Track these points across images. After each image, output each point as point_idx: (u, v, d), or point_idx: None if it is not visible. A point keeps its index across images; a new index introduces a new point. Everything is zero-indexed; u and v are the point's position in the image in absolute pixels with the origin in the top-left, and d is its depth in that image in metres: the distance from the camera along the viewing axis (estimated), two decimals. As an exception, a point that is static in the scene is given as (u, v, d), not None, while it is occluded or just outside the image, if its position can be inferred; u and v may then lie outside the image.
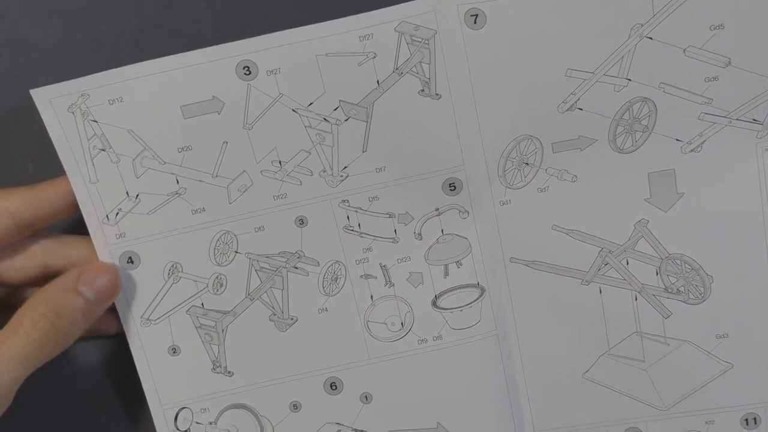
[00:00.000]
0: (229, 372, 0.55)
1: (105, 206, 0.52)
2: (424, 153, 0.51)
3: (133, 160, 0.52)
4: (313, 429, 0.56)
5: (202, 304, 0.54)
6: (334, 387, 0.55)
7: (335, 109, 0.51)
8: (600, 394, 0.54)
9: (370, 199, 0.52)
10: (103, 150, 0.51)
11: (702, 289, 0.52)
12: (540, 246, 0.52)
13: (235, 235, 0.53)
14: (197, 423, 0.56)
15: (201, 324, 0.54)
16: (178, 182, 0.52)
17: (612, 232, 0.52)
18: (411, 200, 0.52)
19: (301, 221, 0.53)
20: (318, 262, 0.54)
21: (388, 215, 0.53)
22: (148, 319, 0.54)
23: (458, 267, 0.54)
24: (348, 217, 0.53)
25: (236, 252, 0.53)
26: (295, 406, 0.56)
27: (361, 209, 0.53)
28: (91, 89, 0.50)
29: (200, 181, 0.52)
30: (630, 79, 0.49)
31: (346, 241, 0.53)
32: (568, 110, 0.50)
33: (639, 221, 0.52)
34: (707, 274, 0.52)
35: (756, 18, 0.48)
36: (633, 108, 0.49)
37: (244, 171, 0.52)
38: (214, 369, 0.55)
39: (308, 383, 0.55)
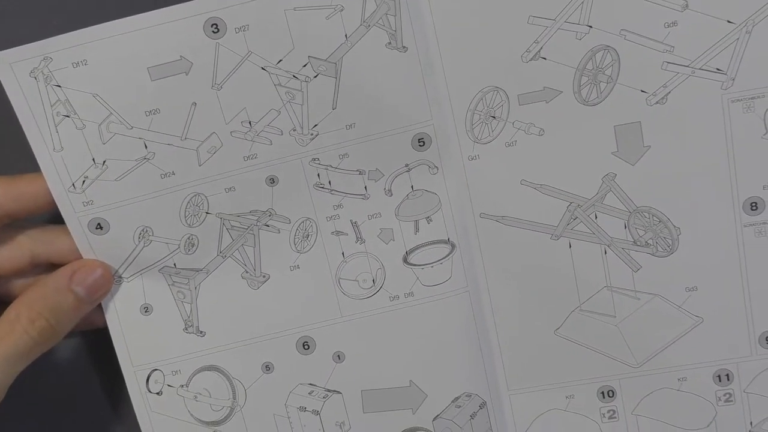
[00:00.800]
0: (201, 332, 0.55)
1: (71, 175, 0.52)
2: (392, 108, 0.51)
3: (99, 125, 0.51)
4: (286, 391, 0.57)
5: (174, 264, 0.54)
6: (306, 347, 0.56)
7: (304, 66, 0.51)
8: (572, 352, 0.54)
9: (341, 156, 0.53)
10: (68, 116, 0.51)
11: (670, 241, 0.52)
12: (509, 201, 0.53)
13: (206, 197, 0.53)
14: (169, 386, 0.56)
15: (174, 282, 0.54)
16: (146, 147, 0.52)
17: (580, 186, 0.52)
18: (381, 157, 0.53)
19: (272, 180, 0.53)
20: (289, 220, 0.54)
21: (358, 172, 0.53)
22: (120, 277, 0.54)
23: (428, 223, 0.54)
24: (318, 175, 0.53)
25: (207, 213, 0.53)
26: (268, 368, 0.56)
27: (331, 167, 0.53)
28: (54, 52, 0.50)
29: (169, 144, 0.52)
30: (591, 26, 0.49)
31: (317, 199, 0.53)
32: (532, 59, 0.50)
33: (606, 175, 0.52)
34: (675, 226, 0.52)
35: (710, -42, 0.48)
36: (596, 57, 0.50)
37: (214, 132, 0.52)
38: (186, 329, 0.55)
39: (280, 343, 0.56)
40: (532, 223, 0.53)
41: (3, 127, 0.53)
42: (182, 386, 0.56)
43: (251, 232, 0.54)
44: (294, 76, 0.51)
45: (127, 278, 0.54)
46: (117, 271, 0.54)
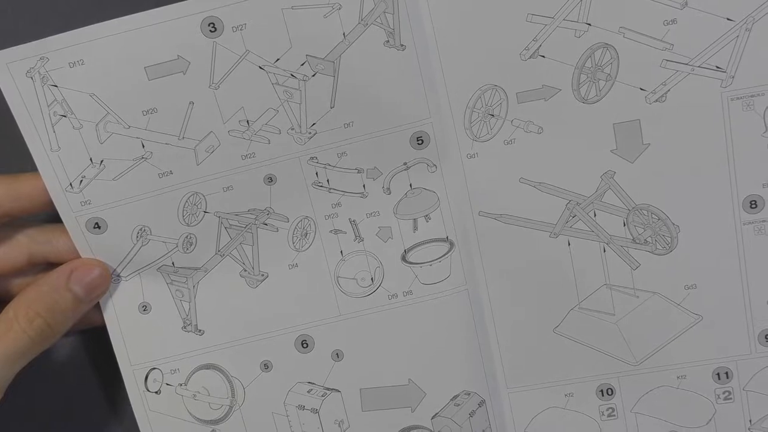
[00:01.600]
0: (200, 330, 0.55)
1: (68, 174, 0.52)
2: (391, 107, 0.51)
3: (96, 125, 0.51)
4: (285, 389, 0.56)
5: (173, 263, 0.54)
6: (305, 345, 0.55)
7: (302, 65, 0.51)
8: (571, 349, 0.54)
9: (339, 155, 0.52)
10: (65, 116, 0.51)
11: (669, 239, 0.52)
12: (508, 199, 0.52)
13: (204, 196, 0.53)
14: (167, 384, 0.56)
15: (172, 280, 0.54)
16: (143, 146, 0.52)
17: (579, 184, 0.52)
18: (379, 155, 0.52)
19: (270, 179, 0.53)
20: (287, 218, 0.54)
21: (356, 170, 0.53)
22: (118, 276, 0.54)
23: (427, 221, 0.54)
24: (317, 174, 0.53)
25: (205, 212, 0.53)
26: (266, 366, 0.56)
27: (329, 165, 0.53)
28: (50, 52, 0.49)
29: (166, 144, 0.52)
30: (590, 24, 0.49)
31: (315, 197, 0.53)
32: (530, 57, 0.50)
33: (606, 173, 0.52)
34: (674, 224, 0.52)
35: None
36: (595, 54, 0.50)
37: (211, 132, 0.52)
38: (185, 327, 0.55)
39: (279, 341, 0.55)
40: (530, 221, 0.53)
41: (0, 127, 0.53)
42: (181, 385, 0.56)
43: (249, 230, 0.54)
44: (292, 75, 0.51)
45: (126, 277, 0.54)
46: (115, 270, 0.54)
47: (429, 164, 0.53)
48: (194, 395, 0.56)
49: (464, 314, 0.55)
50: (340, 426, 0.57)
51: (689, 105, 0.50)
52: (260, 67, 0.51)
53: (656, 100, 0.50)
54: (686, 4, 0.48)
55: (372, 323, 0.55)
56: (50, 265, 0.55)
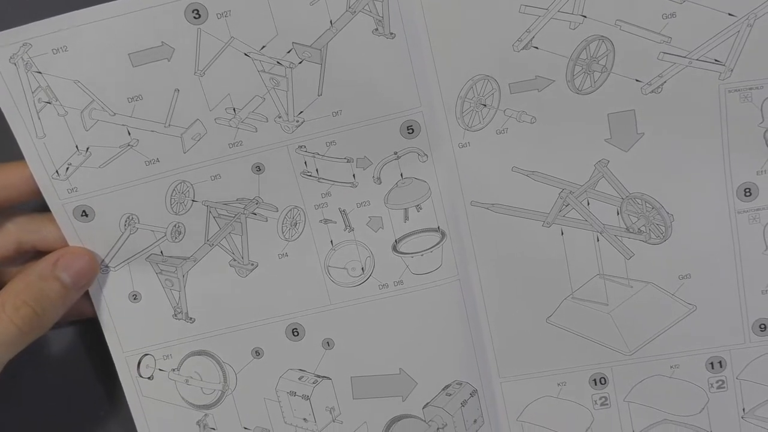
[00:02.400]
0: (191, 318, 0.55)
1: (54, 161, 0.51)
2: (380, 95, 0.50)
3: (81, 112, 0.50)
4: (276, 375, 0.56)
5: (161, 252, 0.54)
6: (295, 333, 0.55)
7: (288, 52, 0.50)
8: (564, 339, 0.54)
9: (328, 144, 0.52)
10: (49, 103, 0.50)
11: (663, 228, 0.51)
12: (500, 188, 0.52)
13: (191, 184, 0.52)
14: (160, 370, 0.56)
15: (161, 270, 0.54)
16: (129, 134, 0.51)
17: (572, 172, 0.51)
18: (369, 144, 0.52)
19: (258, 168, 0.52)
20: (276, 208, 0.53)
21: (346, 160, 0.52)
22: (107, 266, 0.54)
23: (418, 211, 0.53)
24: (305, 163, 0.52)
25: (193, 201, 0.53)
26: (258, 353, 0.56)
27: (318, 154, 0.52)
28: (33, 38, 0.48)
29: (152, 131, 0.51)
30: (585, 16, 0.48)
31: (305, 187, 0.52)
32: (523, 49, 0.49)
33: (599, 161, 0.51)
34: (668, 213, 0.51)
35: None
36: (590, 47, 0.48)
37: (198, 119, 0.51)
38: (176, 315, 0.55)
39: (270, 329, 0.55)
40: (523, 210, 0.52)
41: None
42: (173, 370, 0.56)
43: (238, 220, 0.53)
44: (278, 63, 0.50)
45: (114, 267, 0.54)
46: (104, 260, 0.53)
47: (420, 154, 0.52)
48: (187, 380, 0.56)
49: (456, 304, 0.54)
50: (331, 413, 0.57)
51: (685, 96, 0.49)
52: (246, 54, 0.50)
53: (652, 92, 0.49)
54: None
55: (362, 313, 0.55)
56: (39, 254, 0.54)
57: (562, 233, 0.52)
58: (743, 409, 0.54)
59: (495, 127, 0.51)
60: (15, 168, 0.52)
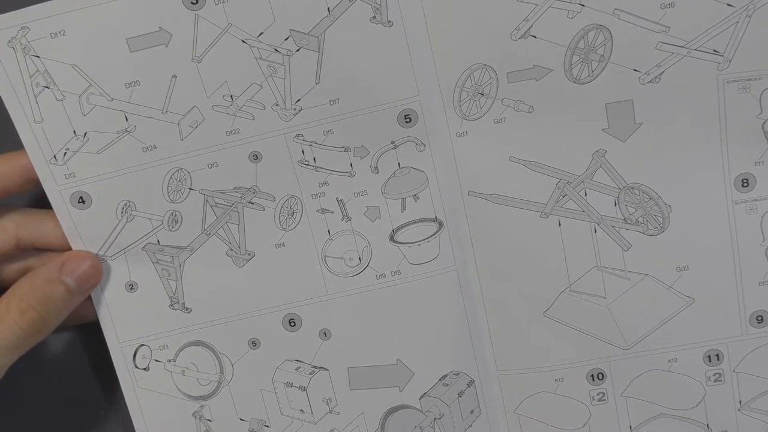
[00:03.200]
0: (187, 308, 0.55)
1: (52, 146, 0.51)
2: (378, 84, 0.50)
3: (79, 97, 0.50)
4: (273, 366, 0.56)
5: (158, 241, 0.54)
6: (292, 323, 0.55)
7: (286, 39, 0.49)
8: (562, 333, 0.54)
9: (325, 132, 0.51)
10: (47, 87, 0.50)
11: (660, 219, 0.51)
12: (498, 178, 0.51)
13: (188, 172, 0.52)
14: (156, 360, 0.56)
15: (158, 259, 0.54)
16: (127, 119, 0.51)
17: (570, 162, 0.51)
18: (366, 133, 0.51)
19: (255, 156, 0.52)
20: (274, 197, 0.53)
21: (343, 149, 0.52)
22: (103, 256, 0.53)
23: (416, 201, 0.53)
24: (303, 152, 0.52)
25: (190, 189, 0.52)
26: (254, 343, 0.55)
27: (315, 143, 0.52)
28: (31, 22, 0.48)
29: (150, 117, 0.51)
30: (583, 5, 0.48)
31: (302, 176, 0.52)
32: (521, 37, 0.49)
33: (597, 151, 0.51)
34: (665, 204, 0.51)
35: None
36: (588, 36, 0.48)
37: (195, 106, 0.51)
38: (172, 305, 0.55)
39: (266, 320, 0.55)
40: (521, 200, 0.52)
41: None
42: (170, 361, 0.56)
43: (235, 209, 0.53)
44: (276, 50, 0.50)
45: (111, 257, 0.54)
46: (101, 249, 0.53)
47: (417, 143, 0.52)
48: (183, 371, 0.56)
49: (453, 295, 0.54)
50: (327, 404, 0.56)
51: (683, 86, 0.49)
52: (243, 41, 0.50)
53: (650, 81, 0.49)
54: None
55: (360, 303, 0.54)
56: (38, 251, 0.54)
57: (560, 224, 0.52)
58: (740, 402, 0.54)
59: (493, 117, 0.51)
60: (13, 157, 0.52)
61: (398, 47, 0.49)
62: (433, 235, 0.53)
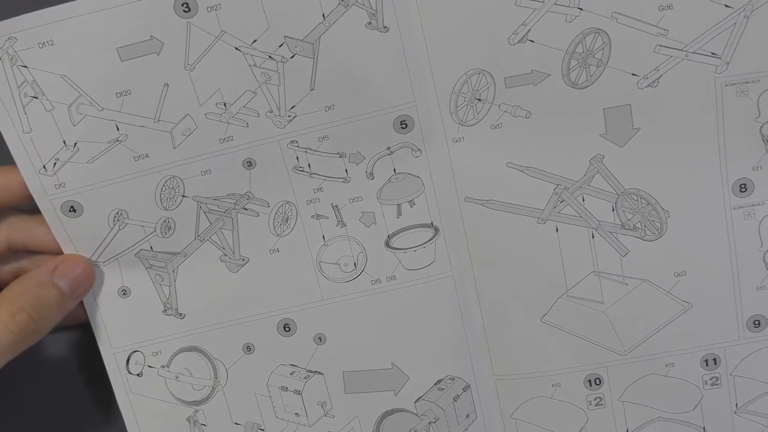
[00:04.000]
0: (181, 314, 0.54)
1: (41, 157, 0.50)
2: (373, 90, 0.49)
3: (69, 107, 0.50)
4: (267, 371, 0.56)
5: (151, 247, 0.53)
6: (287, 328, 0.55)
7: (280, 46, 0.49)
8: (559, 339, 0.54)
9: (320, 138, 0.51)
10: (36, 97, 0.49)
11: (658, 224, 0.51)
12: (495, 184, 0.51)
13: (182, 180, 0.51)
14: (149, 366, 0.56)
15: (151, 265, 0.53)
16: (118, 129, 0.50)
17: (567, 168, 0.51)
18: (362, 139, 0.51)
19: (249, 163, 0.51)
20: (268, 203, 0.52)
21: (338, 155, 0.51)
22: (96, 262, 0.53)
23: (411, 206, 0.52)
24: (297, 158, 0.51)
25: (183, 196, 0.52)
26: (249, 348, 0.55)
27: (310, 149, 0.51)
28: (18, 32, 0.48)
29: (142, 126, 0.50)
30: (581, 9, 0.47)
31: (297, 182, 0.52)
32: (519, 42, 0.48)
33: (594, 156, 0.50)
34: (663, 209, 0.51)
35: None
36: (586, 40, 0.48)
37: (188, 114, 0.50)
38: (166, 311, 0.54)
39: (261, 325, 0.55)
40: (518, 206, 0.52)
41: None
42: (163, 367, 0.56)
43: (229, 215, 0.52)
44: (269, 57, 0.49)
45: (104, 262, 0.53)
46: (93, 254, 0.53)
47: (413, 149, 0.51)
48: (177, 376, 0.56)
49: (449, 300, 0.54)
50: (323, 407, 0.56)
51: (681, 90, 0.48)
52: (236, 48, 0.49)
53: (648, 86, 0.48)
54: None
55: (355, 308, 0.54)
56: (30, 254, 0.54)
57: (557, 230, 0.52)
58: (736, 405, 0.54)
59: (490, 122, 0.50)
60: (8, 171, 0.51)
61: (394, 53, 0.49)
62: (429, 240, 0.53)
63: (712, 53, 0.48)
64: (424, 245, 0.53)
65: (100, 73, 0.49)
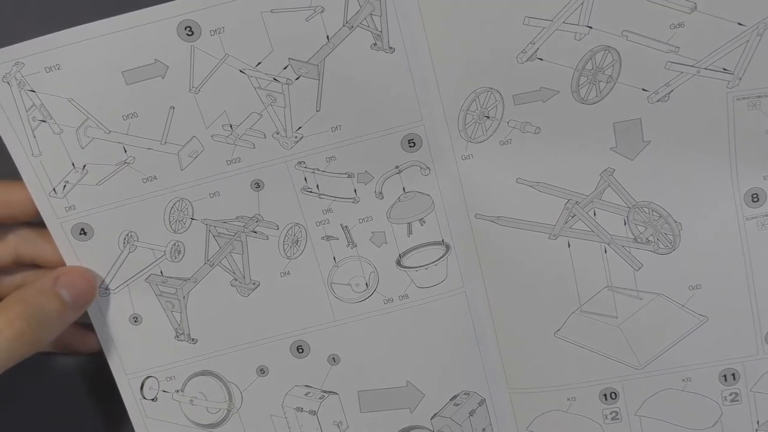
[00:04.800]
0: (193, 339, 0.54)
1: (51, 180, 0.50)
2: (380, 109, 0.49)
3: (77, 130, 0.50)
4: (282, 392, 0.56)
5: (161, 272, 0.53)
6: (300, 350, 0.54)
7: (285, 68, 0.48)
8: (573, 354, 0.53)
9: (328, 159, 0.51)
10: (44, 121, 0.49)
11: (671, 237, 0.50)
12: (505, 200, 0.51)
13: (190, 202, 0.51)
14: (164, 391, 0.55)
15: (161, 291, 0.53)
16: (125, 151, 0.50)
17: (578, 182, 0.50)
18: (370, 159, 0.51)
19: (257, 185, 0.51)
20: (277, 226, 0.52)
21: (347, 175, 0.51)
22: (106, 289, 0.53)
23: (422, 225, 0.52)
24: (305, 179, 0.51)
25: (192, 219, 0.52)
26: (263, 371, 0.55)
27: (318, 170, 0.51)
28: (26, 57, 0.48)
29: (149, 149, 0.50)
30: (591, 27, 0.47)
31: (305, 203, 0.52)
32: (527, 61, 0.48)
33: (605, 170, 0.50)
34: (676, 222, 0.50)
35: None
36: (595, 57, 0.47)
37: (194, 136, 0.50)
38: (178, 336, 0.54)
39: (274, 347, 0.54)
40: (529, 222, 0.51)
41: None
42: (177, 391, 0.56)
43: (238, 239, 0.52)
44: (275, 79, 0.49)
45: (114, 290, 0.53)
46: (104, 281, 0.53)
47: (422, 167, 0.51)
48: (191, 400, 0.56)
49: (462, 317, 0.53)
50: (338, 427, 0.56)
51: (693, 104, 0.48)
52: (241, 71, 0.48)
53: (658, 100, 0.48)
54: (695, 8, 0.46)
55: (368, 327, 0.54)
56: (37, 268, 0.54)
57: (569, 245, 0.51)
58: (757, 422, 0.53)
59: (498, 139, 0.50)
60: (19, 187, 0.51)
61: (401, 73, 0.48)
62: (440, 258, 0.52)
63: (724, 69, 0.47)
64: (436, 263, 0.52)
65: (107, 96, 0.49)
